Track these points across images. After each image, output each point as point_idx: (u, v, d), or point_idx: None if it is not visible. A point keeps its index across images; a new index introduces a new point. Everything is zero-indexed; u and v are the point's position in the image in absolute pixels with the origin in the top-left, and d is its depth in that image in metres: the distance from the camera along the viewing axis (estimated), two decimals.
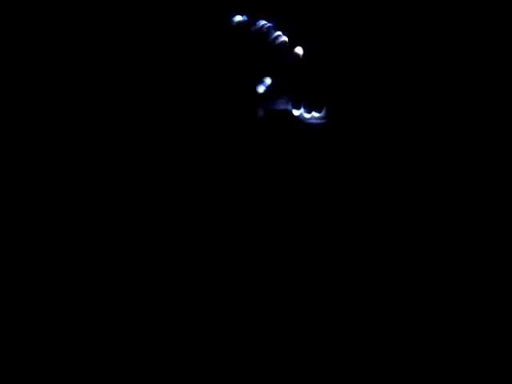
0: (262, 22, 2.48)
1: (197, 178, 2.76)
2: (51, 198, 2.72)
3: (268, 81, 2.51)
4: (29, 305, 2.65)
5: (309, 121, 2.64)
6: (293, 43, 2.48)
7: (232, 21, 2.43)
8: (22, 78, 2.85)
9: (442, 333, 2.62)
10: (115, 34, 2.80)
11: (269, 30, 2.47)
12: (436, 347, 2.62)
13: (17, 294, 2.65)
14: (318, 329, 2.71)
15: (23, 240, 2.68)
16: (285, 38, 2.49)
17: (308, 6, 2.63)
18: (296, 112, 2.54)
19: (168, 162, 2.76)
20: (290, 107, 2.57)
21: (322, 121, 2.66)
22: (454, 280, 2.66)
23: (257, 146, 2.72)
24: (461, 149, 2.75)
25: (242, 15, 2.41)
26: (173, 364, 2.68)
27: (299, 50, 2.47)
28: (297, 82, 2.55)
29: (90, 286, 2.69)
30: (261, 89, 2.50)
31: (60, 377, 2.65)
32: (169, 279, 2.76)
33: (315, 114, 2.62)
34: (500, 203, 2.73)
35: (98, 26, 2.79)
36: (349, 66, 2.67)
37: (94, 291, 2.69)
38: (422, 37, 2.68)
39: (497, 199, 2.74)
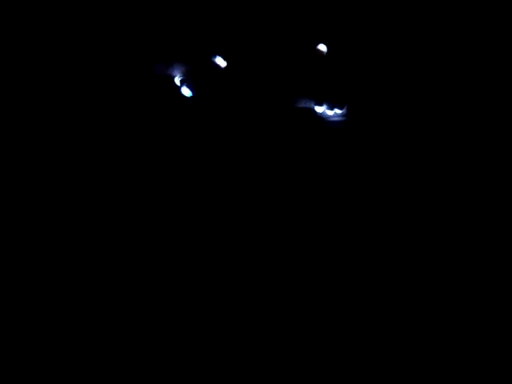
0: None
1: (214, 173, 2.75)
2: (50, 198, 2.85)
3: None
4: (29, 305, 2.70)
5: (331, 118, 2.72)
6: (316, 41, 2.74)
7: None
8: (21, 78, 2.92)
9: (442, 333, 2.60)
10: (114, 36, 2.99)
11: None
12: (436, 347, 2.59)
13: (17, 295, 2.72)
14: (317, 329, 2.63)
15: (23, 240, 2.79)
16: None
17: (331, 8, 2.92)
18: (319, 109, 2.72)
19: (181, 158, 2.81)
20: (312, 105, 2.74)
21: (344, 118, 2.73)
22: (454, 280, 2.64)
23: (281, 142, 2.75)
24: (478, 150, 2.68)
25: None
26: (173, 364, 2.60)
27: (322, 47, 2.74)
28: (319, 80, 2.74)
29: (89, 287, 2.73)
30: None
31: (60, 377, 2.60)
32: (169, 279, 2.66)
33: (337, 111, 2.73)
34: (501, 203, 2.71)
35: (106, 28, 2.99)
36: (369, 65, 2.79)
37: (94, 291, 2.72)
38: (442, 37, 2.77)
39: (498, 200, 2.73)
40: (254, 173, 2.76)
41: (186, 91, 2.90)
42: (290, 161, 2.75)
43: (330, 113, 2.72)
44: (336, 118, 2.78)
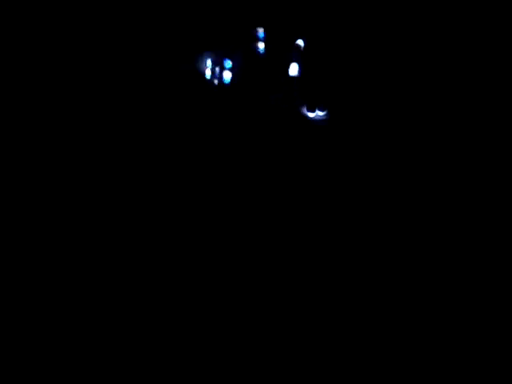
0: None
1: (201, 175, 2.77)
2: (51, 199, 2.84)
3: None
4: (29, 305, 2.69)
5: (313, 119, 2.82)
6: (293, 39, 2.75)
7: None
8: (21, 78, 2.86)
9: (442, 333, 2.55)
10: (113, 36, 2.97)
11: None
12: (436, 347, 2.53)
13: (17, 295, 2.70)
14: (317, 328, 2.59)
15: (23, 240, 2.78)
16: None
17: (308, 11, 2.95)
18: (302, 111, 2.77)
19: (170, 160, 2.81)
20: (294, 106, 2.81)
21: (325, 117, 2.81)
22: (454, 280, 2.60)
23: (264, 141, 2.79)
24: (459, 148, 2.69)
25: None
26: (173, 364, 2.54)
27: (300, 42, 2.78)
28: (301, 82, 2.81)
29: (89, 287, 2.73)
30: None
31: (60, 377, 2.55)
32: (168, 279, 2.72)
33: (319, 113, 2.83)
34: (500, 203, 2.66)
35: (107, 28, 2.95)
36: (349, 67, 2.84)
37: (94, 292, 2.72)
38: (419, 39, 2.80)
39: (497, 199, 2.68)
40: (243, 173, 2.80)
41: (228, 74, 2.74)
42: (278, 162, 2.81)
43: (311, 114, 2.84)
44: (319, 119, 2.87)
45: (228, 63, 2.79)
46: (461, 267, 2.68)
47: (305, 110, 2.86)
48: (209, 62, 2.81)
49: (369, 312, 2.63)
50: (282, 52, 2.86)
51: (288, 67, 2.83)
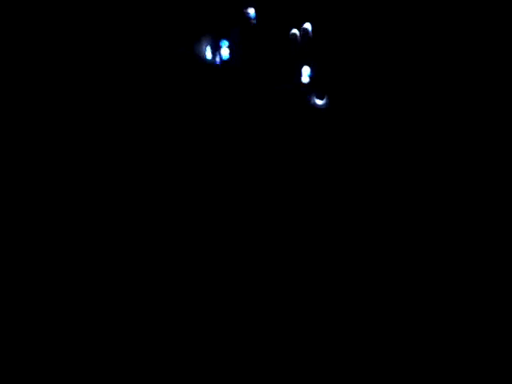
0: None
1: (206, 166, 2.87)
2: (51, 198, 2.84)
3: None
4: (29, 305, 2.76)
5: (315, 106, 2.99)
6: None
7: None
8: (21, 78, 2.83)
9: (442, 333, 2.58)
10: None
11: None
12: (436, 347, 2.57)
13: (17, 295, 2.77)
14: (317, 327, 2.65)
15: (23, 240, 2.81)
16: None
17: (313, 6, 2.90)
18: (301, 99, 2.92)
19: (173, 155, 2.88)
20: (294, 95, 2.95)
21: (326, 105, 2.99)
22: (454, 279, 2.62)
23: (269, 130, 2.92)
24: (459, 144, 2.80)
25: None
26: (173, 364, 2.65)
27: (307, 25, 2.91)
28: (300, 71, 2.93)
29: (89, 286, 2.80)
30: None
31: (60, 377, 2.66)
32: (168, 278, 2.81)
33: (318, 102, 2.99)
34: (500, 202, 2.68)
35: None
36: (349, 59, 2.92)
37: (94, 291, 2.79)
38: (420, 33, 2.87)
39: (496, 198, 2.70)
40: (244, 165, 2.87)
41: (225, 51, 2.79)
42: (285, 152, 2.89)
43: (320, 102, 2.90)
44: (319, 106, 2.93)
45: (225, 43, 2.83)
46: (460, 265, 2.70)
47: (314, 98, 2.95)
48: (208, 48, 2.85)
49: (369, 311, 2.68)
50: (288, 40, 2.90)
51: (294, 53, 2.90)
